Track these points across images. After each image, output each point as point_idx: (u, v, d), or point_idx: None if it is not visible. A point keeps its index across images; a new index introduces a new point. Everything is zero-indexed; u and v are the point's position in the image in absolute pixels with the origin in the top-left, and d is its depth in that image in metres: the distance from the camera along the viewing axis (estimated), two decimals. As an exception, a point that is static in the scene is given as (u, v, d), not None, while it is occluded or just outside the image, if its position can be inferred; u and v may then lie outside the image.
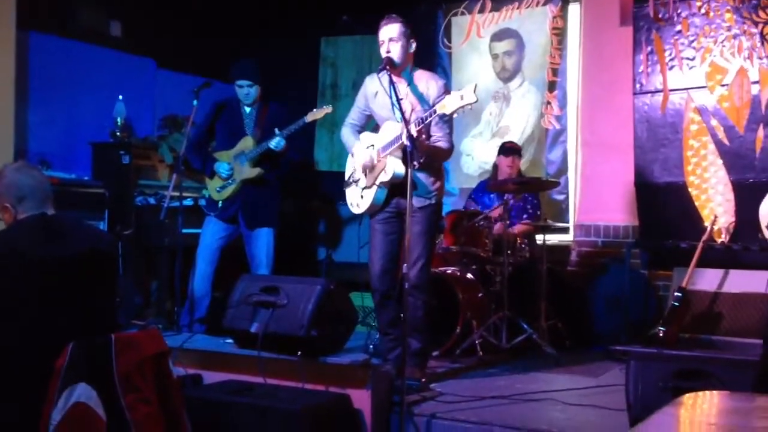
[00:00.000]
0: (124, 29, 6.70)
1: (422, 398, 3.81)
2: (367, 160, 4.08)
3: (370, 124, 4.33)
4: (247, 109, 5.13)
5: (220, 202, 5.06)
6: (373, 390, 3.63)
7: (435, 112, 3.77)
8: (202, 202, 5.40)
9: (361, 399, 3.64)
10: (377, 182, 4.05)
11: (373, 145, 4.10)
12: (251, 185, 5.00)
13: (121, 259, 4.94)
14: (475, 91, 3.64)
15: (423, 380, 4.01)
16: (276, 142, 4.86)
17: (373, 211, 4.12)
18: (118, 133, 6.04)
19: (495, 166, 5.85)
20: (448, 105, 3.70)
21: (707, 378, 3.21)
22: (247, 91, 5.07)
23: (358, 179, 4.17)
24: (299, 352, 3.79)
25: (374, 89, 4.18)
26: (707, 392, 2.46)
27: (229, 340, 4.19)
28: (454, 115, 3.82)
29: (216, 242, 5.07)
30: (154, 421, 2.80)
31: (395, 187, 4.03)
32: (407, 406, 3.56)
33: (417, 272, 3.96)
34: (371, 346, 4.58)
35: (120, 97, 6.17)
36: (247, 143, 5.02)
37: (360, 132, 4.27)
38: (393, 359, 4.05)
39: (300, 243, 6.77)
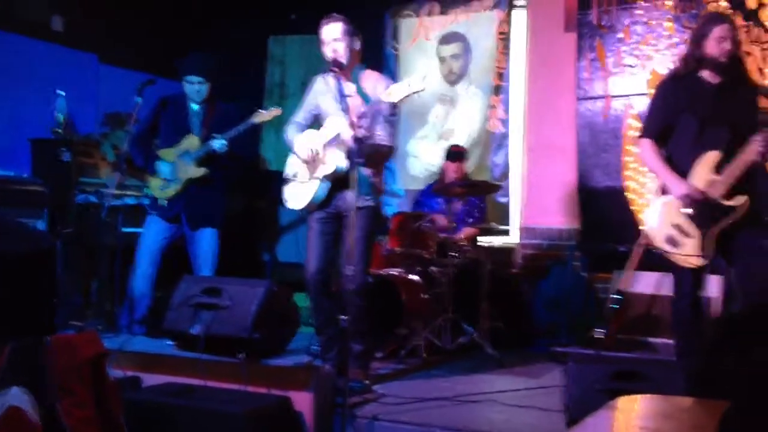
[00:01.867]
0: (67, 23, 6.56)
1: (364, 400, 3.81)
2: (310, 155, 4.07)
3: (317, 125, 4.32)
4: (195, 107, 5.06)
5: (163, 201, 4.99)
6: (315, 392, 3.62)
7: (381, 100, 3.78)
8: (145, 201, 5.32)
9: (303, 401, 3.63)
10: (319, 175, 4.03)
11: (316, 141, 4.09)
12: (196, 185, 4.94)
13: (61, 258, 4.84)
14: (424, 80, 3.65)
15: (366, 382, 4.02)
16: (219, 145, 4.80)
17: (312, 207, 4.09)
18: (59, 130, 5.91)
19: (441, 170, 5.90)
20: (394, 92, 3.70)
21: (643, 380, 3.29)
22: (197, 87, 4.99)
23: (298, 174, 4.15)
24: (241, 354, 3.77)
25: (321, 88, 4.18)
26: (641, 395, 2.53)
27: (170, 342, 4.14)
28: (403, 103, 3.82)
29: (158, 242, 4.99)
30: (89, 425, 2.75)
31: (337, 185, 4.02)
32: (349, 408, 3.56)
33: (356, 275, 3.95)
34: (314, 348, 4.57)
35: (62, 93, 6.04)
36: (192, 142, 4.96)
37: (304, 131, 4.26)
38: (330, 359, 4.05)
39: (245, 243, 6.71)
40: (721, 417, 1.24)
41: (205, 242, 4.97)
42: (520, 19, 6.43)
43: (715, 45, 3.63)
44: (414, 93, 3.68)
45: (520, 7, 6.42)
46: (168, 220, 4.99)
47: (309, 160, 4.06)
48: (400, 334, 4.86)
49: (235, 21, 7.20)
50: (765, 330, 2.03)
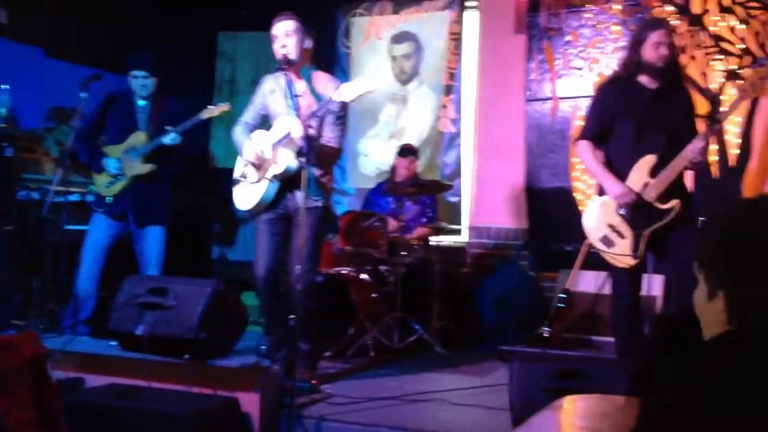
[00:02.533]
0: (11, 16, 6.39)
1: (312, 400, 3.80)
2: (259, 155, 4.04)
3: (266, 124, 4.29)
4: (141, 103, 4.98)
5: (109, 198, 4.90)
6: (262, 393, 3.60)
7: (332, 100, 3.77)
8: (90, 198, 5.22)
9: (250, 402, 3.60)
10: (268, 176, 4.01)
11: (264, 141, 4.07)
12: (142, 182, 4.87)
13: (1, 255, 4.72)
14: (373, 79, 3.67)
15: (313, 382, 4.01)
16: (171, 139, 4.74)
17: (260, 208, 4.06)
18: (1, 124, 5.76)
19: (393, 168, 5.91)
20: (345, 92, 3.70)
21: (586, 379, 3.34)
22: (142, 82, 4.92)
23: (248, 175, 4.13)
24: (187, 355, 3.73)
25: (271, 87, 4.16)
26: (583, 395, 2.57)
27: (114, 343, 4.07)
28: (353, 102, 3.83)
29: (103, 240, 4.90)
30: (29, 426, 2.70)
31: (286, 185, 4.00)
32: (296, 408, 3.55)
33: (304, 275, 3.94)
34: (263, 347, 4.55)
35: (5, 86, 5.88)
36: (139, 138, 4.88)
37: (253, 132, 4.23)
38: (279, 359, 4.03)
39: (193, 241, 6.65)
40: (639, 413, 1.26)
41: (152, 240, 4.90)
42: (471, 19, 6.48)
43: (652, 50, 3.71)
44: (365, 93, 3.69)
45: (472, 8, 6.47)
46: (113, 218, 4.91)
47: (256, 163, 4.04)
48: (349, 333, 4.87)
49: (185, 16, 7.11)
50: (698, 329, 2.07)
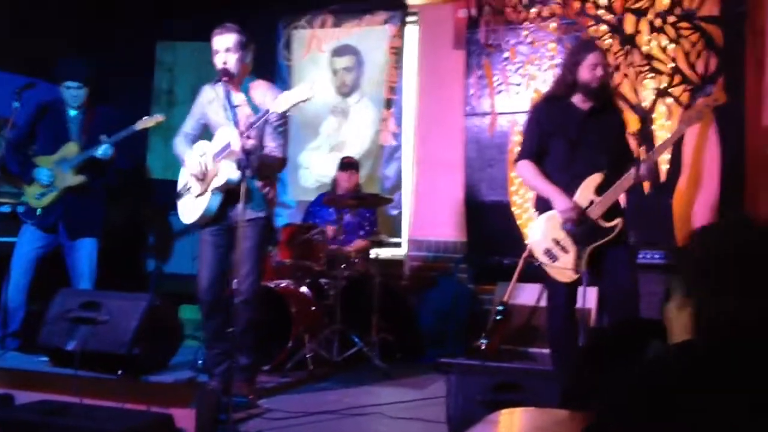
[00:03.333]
0: (-59, 23, 6.21)
1: (249, 415, 3.76)
2: (201, 168, 4.00)
3: (206, 135, 4.24)
4: (73, 113, 4.88)
5: (39, 209, 4.78)
6: (197, 409, 3.53)
7: (268, 110, 3.75)
8: (20, 209, 5.07)
9: (185, 418, 3.53)
10: (210, 188, 3.97)
11: (206, 153, 4.03)
12: (74, 193, 4.76)
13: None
14: (311, 88, 3.65)
15: (251, 397, 3.97)
16: (103, 151, 4.65)
17: (204, 221, 4.03)
18: (-70, 134, 5.57)
19: (334, 181, 5.91)
20: (283, 101, 3.68)
21: (522, 391, 3.38)
22: (75, 93, 4.83)
23: (191, 188, 4.08)
24: (120, 371, 3.64)
25: (210, 98, 4.12)
26: (520, 408, 2.60)
27: (44, 358, 3.96)
28: (292, 112, 3.82)
29: (33, 251, 4.78)
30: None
31: (229, 198, 3.97)
32: (233, 424, 3.51)
33: (247, 287, 3.92)
34: (200, 362, 4.49)
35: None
36: (70, 149, 4.78)
37: (194, 142, 4.18)
38: (219, 374, 3.98)
39: (129, 253, 6.52)
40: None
41: (84, 252, 4.79)
42: (412, 34, 6.53)
43: (588, 71, 3.81)
44: (302, 101, 3.68)
45: (412, 22, 6.52)
46: (44, 230, 4.79)
47: (199, 175, 4.00)
48: (288, 347, 4.83)
49: (123, 25, 6.99)
50: (630, 342, 2.12)
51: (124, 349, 3.66)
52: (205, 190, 3.99)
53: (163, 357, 3.93)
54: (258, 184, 3.99)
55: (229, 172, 3.88)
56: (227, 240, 4.05)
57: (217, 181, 3.93)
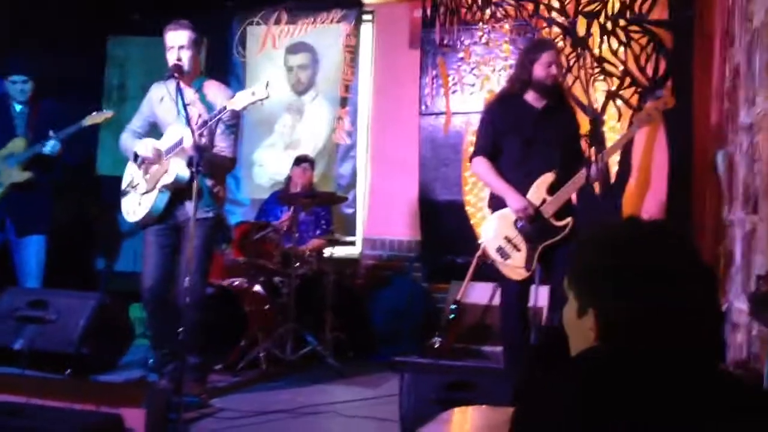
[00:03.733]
0: None
1: (201, 415, 3.73)
2: (154, 153, 3.95)
3: (154, 133, 4.19)
4: (18, 107, 4.79)
5: (-15, 207, 4.68)
6: (147, 408, 3.48)
7: (225, 108, 3.72)
8: (-34, 206, 4.95)
9: (135, 418, 3.48)
10: (159, 185, 3.92)
11: (158, 150, 3.98)
12: (20, 190, 4.66)
13: None
14: (267, 87, 3.65)
15: (203, 396, 3.94)
16: (51, 147, 4.57)
17: (150, 219, 3.97)
18: None
19: (288, 178, 5.88)
20: (238, 100, 3.67)
21: (475, 389, 3.40)
22: (20, 87, 4.74)
23: (137, 185, 4.02)
24: (68, 371, 3.58)
25: (160, 95, 4.07)
26: (472, 407, 2.62)
27: (-10, 358, 3.88)
28: (246, 111, 3.79)
29: (-21, 249, 4.68)
30: None
31: (176, 197, 3.92)
32: (184, 424, 3.47)
33: (194, 287, 3.86)
34: (150, 361, 4.43)
35: None
36: (17, 145, 4.69)
37: (141, 140, 4.12)
38: (168, 373, 3.94)
39: (77, 251, 6.40)
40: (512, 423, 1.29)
41: (32, 250, 4.70)
42: (367, 33, 6.53)
43: (542, 69, 3.86)
44: (258, 101, 3.66)
45: (368, 21, 6.52)
46: (-10, 227, 4.69)
47: (154, 158, 3.93)
48: (241, 346, 4.80)
49: (74, 19, 6.85)
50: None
51: (73, 349, 3.61)
52: (153, 188, 3.93)
53: (113, 356, 3.88)
54: (209, 182, 3.95)
55: (179, 169, 3.84)
56: (173, 240, 4.00)
57: (166, 179, 3.88)
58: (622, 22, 5.44)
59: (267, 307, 5.11)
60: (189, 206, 3.71)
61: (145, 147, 3.96)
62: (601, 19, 5.49)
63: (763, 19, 3.14)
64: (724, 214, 4.21)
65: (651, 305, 1.23)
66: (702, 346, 1.26)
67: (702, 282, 1.27)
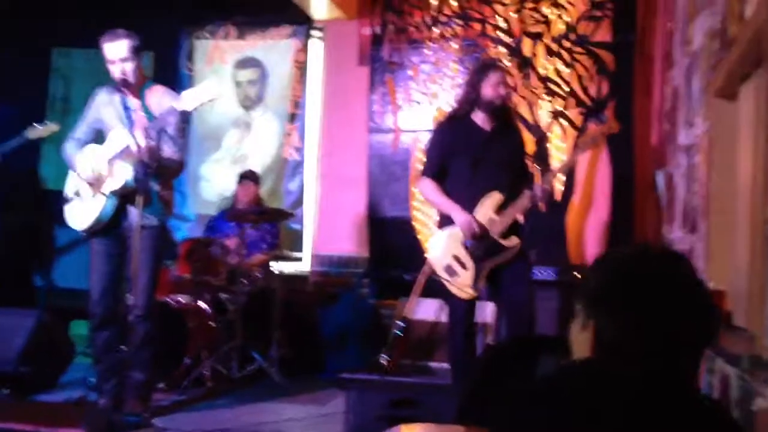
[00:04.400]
0: None
1: (142, 434, 3.67)
2: (94, 171, 3.88)
3: (99, 140, 4.12)
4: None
5: None
6: (86, 429, 3.42)
7: (173, 108, 3.67)
8: None
9: (74, 438, 3.42)
10: (105, 191, 3.84)
11: (100, 156, 3.91)
12: (-41, 203, 4.54)
13: None
14: (216, 88, 3.61)
15: (145, 415, 3.85)
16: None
17: (99, 225, 3.88)
18: None
19: (235, 195, 5.84)
20: (188, 100, 3.62)
21: (420, 406, 3.42)
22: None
23: (82, 193, 3.94)
24: (6, 390, 3.49)
25: (104, 100, 4.01)
26: (417, 424, 2.63)
27: (-77, 377, 3.75)
28: (194, 111, 3.75)
29: None
30: None
31: (123, 203, 3.86)
32: (125, 443, 3.41)
33: (144, 300, 3.81)
34: (91, 380, 4.33)
35: None
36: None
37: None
38: (110, 391, 3.84)
39: (17, 267, 6.24)
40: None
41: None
42: (316, 49, 6.54)
43: (491, 89, 3.91)
44: (209, 101, 3.63)
45: (317, 38, 6.54)
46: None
47: (92, 180, 3.86)
48: (185, 364, 4.73)
49: (16, 30, 6.73)
50: (524, 358, 2.18)
51: (11, 367, 3.52)
52: (99, 194, 3.86)
53: (52, 375, 3.79)
54: (156, 187, 3.89)
55: (126, 174, 3.78)
56: (120, 249, 3.92)
57: (113, 184, 3.81)
58: (566, 44, 5.56)
59: (212, 324, 5.05)
60: (135, 213, 3.65)
61: (86, 166, 3.89)
62: (546, 40, 5.60)
63: (702, 43, 3.24)
64: (664, 232, 4.31)
65: (642, 330, 1.30)
66: (686, 366, 1.32)
67: (701, 317, 1.33)
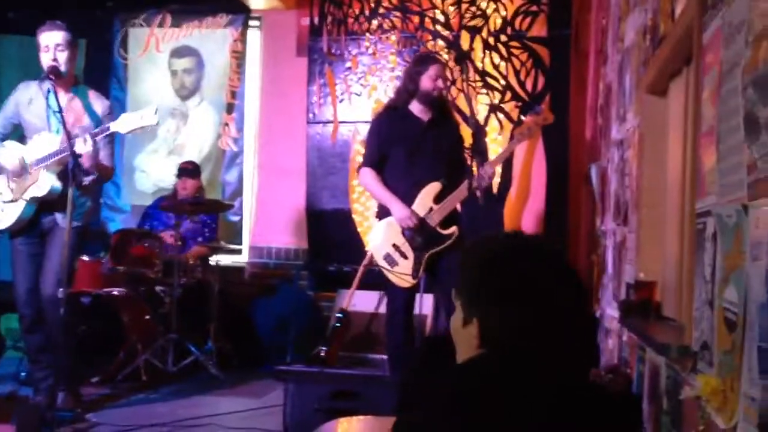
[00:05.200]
0: None
1: (75, 430, 3.61)
2: (16, 173, 3.78)
3: (17, 135, 4.01)
4: None
5: None
6: (17, 424, 3.34)
7: (109, 129, 3.62)
8: None
9: (3, 436, 3.33)
10: (27, 197, 3.75)
11: (23, 157, 3.80)
12: None
13: None
14: (155, 113, 3.58)
15: (78, 410, 3.81)
16: None
17: (16, 228, 3.81)
18: None
19: (175, 187, 5.76)
20: (125, 124, 3.58)
21: (359, 398, 3.44)
22: None
23: (2, 192, 3.83)
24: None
25: (28, 96, 3.89)
26: (354, 417, 2.64)
27: None
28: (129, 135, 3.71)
29: None
30: None
31: (45, 205, 3.77)
32: (57, 440, 3.34)
33: (56, 287, 3.70)
34: (22, 374, 4.23)
35: None
36: None
37: (2, 141, 3.93)
38: (45, 388, 3.77)
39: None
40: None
41: None
42: (254, 39, 6.47)
43: (429, 81, 3.95)
44: (145, 126, 3.60)
45: (255, 27, 6.46)
46: None
47: (18, 170, 3.76)
48: (120, 357, 4.65)
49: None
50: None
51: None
52: (19, 198, 3.77)
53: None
54: (75, 192, 3.84)
55: (52, 181, 3.70)
56: (41, 248, 3.86)
57: (37, 191, 3.73)
58: (503, 38, 5.62)
59: (147, 317, 4.98)
60: (56, 214, 3.61)
61: (11, 157, 3.79)
62: (484, 34, 5.65)
63: (633, 40, 3.32)
64: (597, 224, 4.41)
65: (526, 313, 1.30)
66: (574, 350, 1.34)
67: (573, 292, 1.34)
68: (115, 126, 3.60)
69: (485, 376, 1.30)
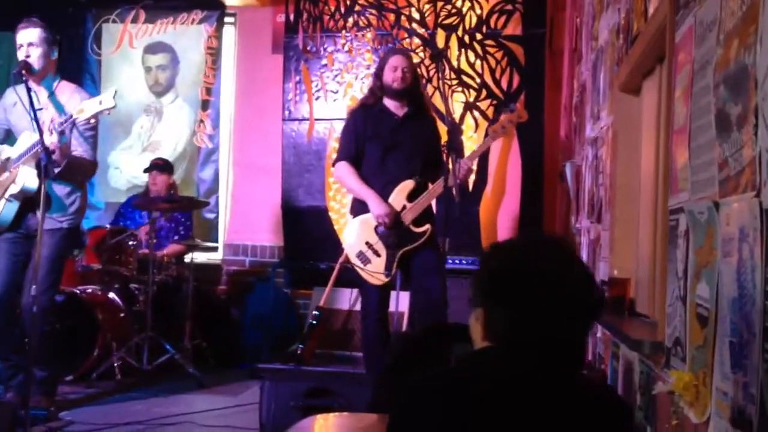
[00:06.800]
0: None
1: (48, 429, 3.58)
2: (3, 161, 3.78)
3: (10, 140, 4.00)
4: None
5: None
6: (-10, 424, 3.31)
7: (71, 116, 3.59)
8: None
9: (-24, 436, 3.29)
10: (6, 195, 3.73)
11: (9, 158, 3.81)
12: None
13: None
14: (114, 96, 3.56)
15: (51, 409, 3.78)
16: None
17: (0, 229, 3.79)
18: None
19: (147, 184, 5.72)
20: (85, 109, 3.56)
21: (334, 395, 3.44)
22: None
23: None
24: None
25: (13, 100, 3.93)
26: (331, 414, 2.64)
27: None
28: (92, 121, 3.67)
29: None
30: None
31: (28, 204, 3.74)
32: (30, 439, 3.30)
33: (42, 297, 3.68)
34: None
35: None
36: None
37: None
38: (16, 387, 3.75)
39: None
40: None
41: None
42: (229, 35, 6.44)
43: (389, 73, 3.97)
44: (105, 110, 3.57)
45: (230, 24, 6.43)
46: None
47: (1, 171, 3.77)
48: (94, 355, 4.61)
49: None
50: (436, 347, 2.22)
51: None
52: (0, 197, 3.75)
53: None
54: (64, 189, 3.81)
55: (26, 179, 3.68)
56: (25, 249, 3.84)
57: (14, 188, 3.72)
58: (478, 36, 5.64)
59: (122, 315, 4.94)
60: (39, 215, 3.56)
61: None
62: (459, 33, 5.67)
63: (607, 39, 3.35)
64: (572, 222, 4.45)
65: (530, 306, 1.33)
66: (570, 345, 1.37)
67: (580, 282, 1.37)
68: (77, 113, 3.58)
69: (484, 369, 1.34)
